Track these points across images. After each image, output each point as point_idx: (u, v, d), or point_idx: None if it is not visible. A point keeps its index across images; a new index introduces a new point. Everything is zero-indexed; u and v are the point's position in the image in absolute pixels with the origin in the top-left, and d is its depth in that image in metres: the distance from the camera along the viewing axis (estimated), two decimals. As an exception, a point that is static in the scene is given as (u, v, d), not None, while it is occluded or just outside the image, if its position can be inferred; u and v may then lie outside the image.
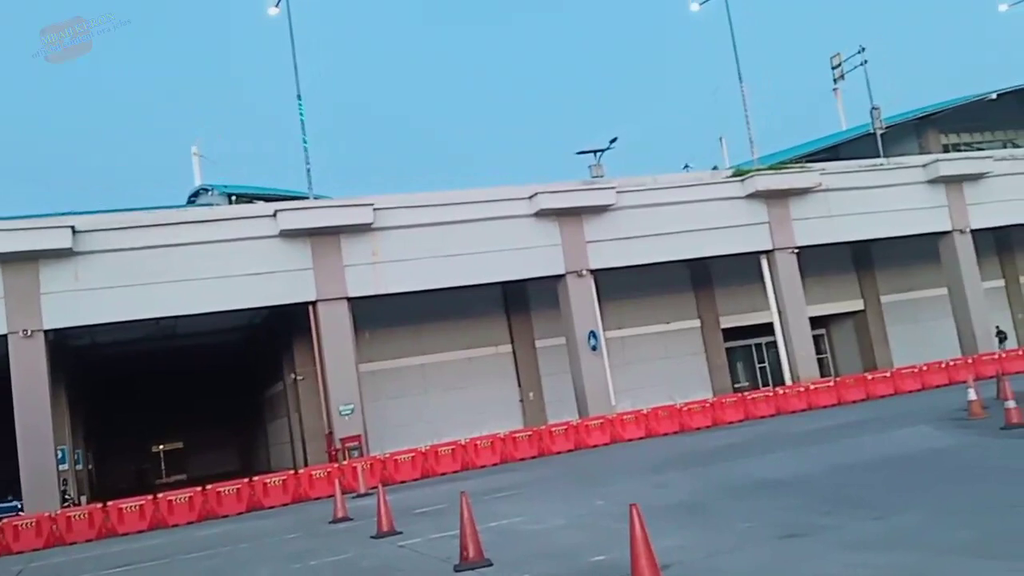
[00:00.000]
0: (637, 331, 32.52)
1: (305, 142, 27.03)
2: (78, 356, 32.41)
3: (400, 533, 12.95)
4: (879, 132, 34.51)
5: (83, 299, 23.62)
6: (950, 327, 32.90)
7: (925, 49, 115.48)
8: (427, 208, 27.22)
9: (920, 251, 34.11)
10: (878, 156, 33.87)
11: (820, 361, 33.73)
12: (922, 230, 32.79)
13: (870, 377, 29.10)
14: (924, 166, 33.27)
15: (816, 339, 33.24)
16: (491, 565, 9.45)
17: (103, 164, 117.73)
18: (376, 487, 15.56)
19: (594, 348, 27.93)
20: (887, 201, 31.96)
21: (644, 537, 6.87)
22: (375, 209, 26.16)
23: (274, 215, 25.47)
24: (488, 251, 27.33)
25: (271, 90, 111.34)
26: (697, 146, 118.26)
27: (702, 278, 33.87)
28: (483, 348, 31.13)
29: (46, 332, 23.35)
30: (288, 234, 25.45)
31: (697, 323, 34.06)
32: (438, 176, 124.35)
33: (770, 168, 31.65)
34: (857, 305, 36.50)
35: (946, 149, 39.88)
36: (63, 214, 26.03)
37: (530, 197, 27.97)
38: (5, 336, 22.99)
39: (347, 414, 25.06)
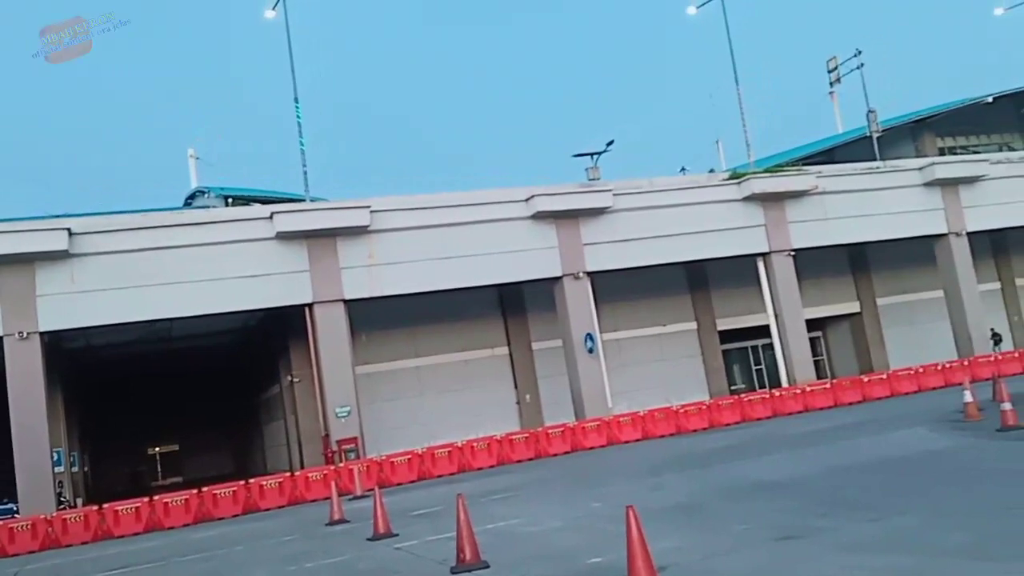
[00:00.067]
0: (633, 333, 32.54)
1: (302, 144, 27.02)
2: (74, 358, 32.35)
3: (397, 535, 12.93)
4: (875, 135, 34.61)
5: (79, 301, 23.57)
6: (946, 329, 32.95)
7: (922, 51, 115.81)
8: (423, 210, 27.21)
9: (916, 254, 34.17)
10: (874, 159, 33.95)
11: (816, 363, 33.74)
12: (918, 233, 32.84)
13: (866, 379, 29.14)
14: (920, 169, 33.33)
15: (812, 341, 33.27)
16: (488, 567, 9.44)
17: (102, 164, 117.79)
18: (372, 489, 15.53)
19: (590, 350, 27.93)
20: (883, 204, 32.00)
21: (641, 539, 6.87)
22: (371, 211, 26.15)
23: (270, 217, 25.45)
24: (485, 253, 27.31)
25: (271, 90, 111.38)
26: (694, 149, 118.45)
27: (698, 280, 33.89)
28: (479, 350, 31.11)
29: (42, 334, 23.30)
30: (284, 236, 25.43)
31: (693, 325, 34.08)
32: (437, 177, 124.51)
33: (766, 171, 31.68)
34: (853, 307, 36.55)
35: (942, 152, 39.97)
36: (59, 216, 26.02)
37: (527, 199, 27.98)
38: (1, 338, 22.94)
39: (343, 416, 25.04)
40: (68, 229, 23.41)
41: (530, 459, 24.63)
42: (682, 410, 26.76)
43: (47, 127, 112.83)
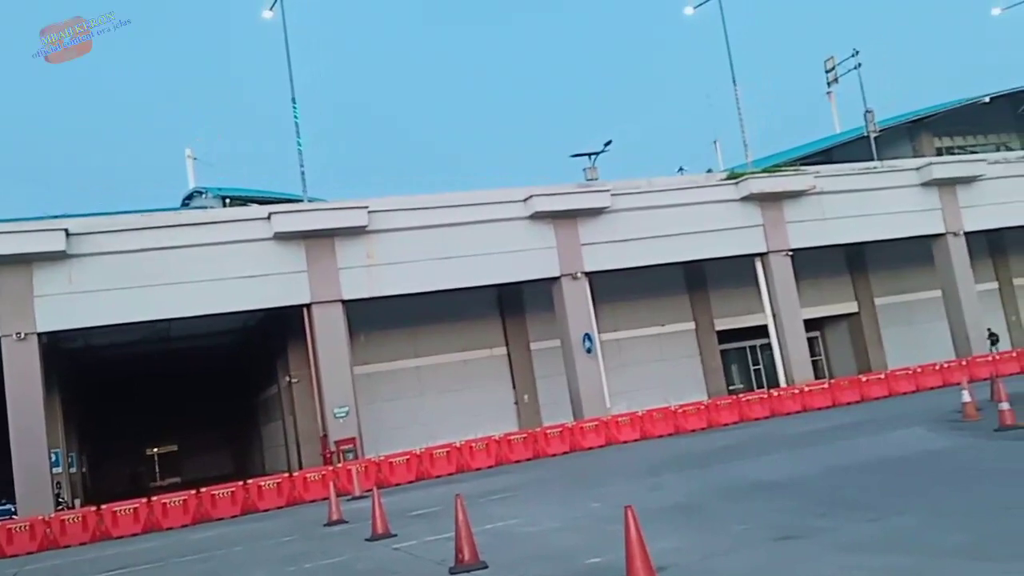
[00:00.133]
0: (632, 333, 32.56)
1: (299, 145, 27.01)
2: (72, 359, 32.31)
3: (395, 536, 12.93)
4: (873, 135, 34.66)
5: (77, 302, 23.55)
6: (944, 329, 32.98)
7: (919, 51, 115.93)
8: (422, 211, 27.22)
9: (914, 254, 34.20)
10: (872, 159, 34.00)
11: (814, 363, 33.75)
12: (916, 233, 32.88)
13: (864, 379, 29.16)
14: (918, 169, 33.37)
15: (810, 341, 33.32)
16: (486, 567, 9.44)
17: (102, 164, 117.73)
18: (371, 490, 15.52)
19: (589, 350, 27.94)
20: (881, 204, 32.04)
21: (639, 539, 6.87)
22: (370, 211, 26.14)
23: (268, 218, 25.44)
24: (483, 253, 27.32)
25: (269, 90, 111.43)
26: (692, 149, 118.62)
27: (697, 281, 33.91)
28: (478, 350, 31.11)
29: (40, 335, 23.27)
30: (282, 237, 25.42)
31: (692, 325, 34.10)
32: (436, 177, 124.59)
33: (764, 171, 31.71)
34: (851, 307, 36.59)
35: (939, 152, 40.02)
36: (57, 217, 25.99)
37: (525, 200, 27.98)
38: (-1, 339, 22.93)
39: (342, 417, 25.03)
40: (66, 230, 23.38)
41: (528, 459, 24.62)
42: (680, 410, 26.77)
43: (47, 127, 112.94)
